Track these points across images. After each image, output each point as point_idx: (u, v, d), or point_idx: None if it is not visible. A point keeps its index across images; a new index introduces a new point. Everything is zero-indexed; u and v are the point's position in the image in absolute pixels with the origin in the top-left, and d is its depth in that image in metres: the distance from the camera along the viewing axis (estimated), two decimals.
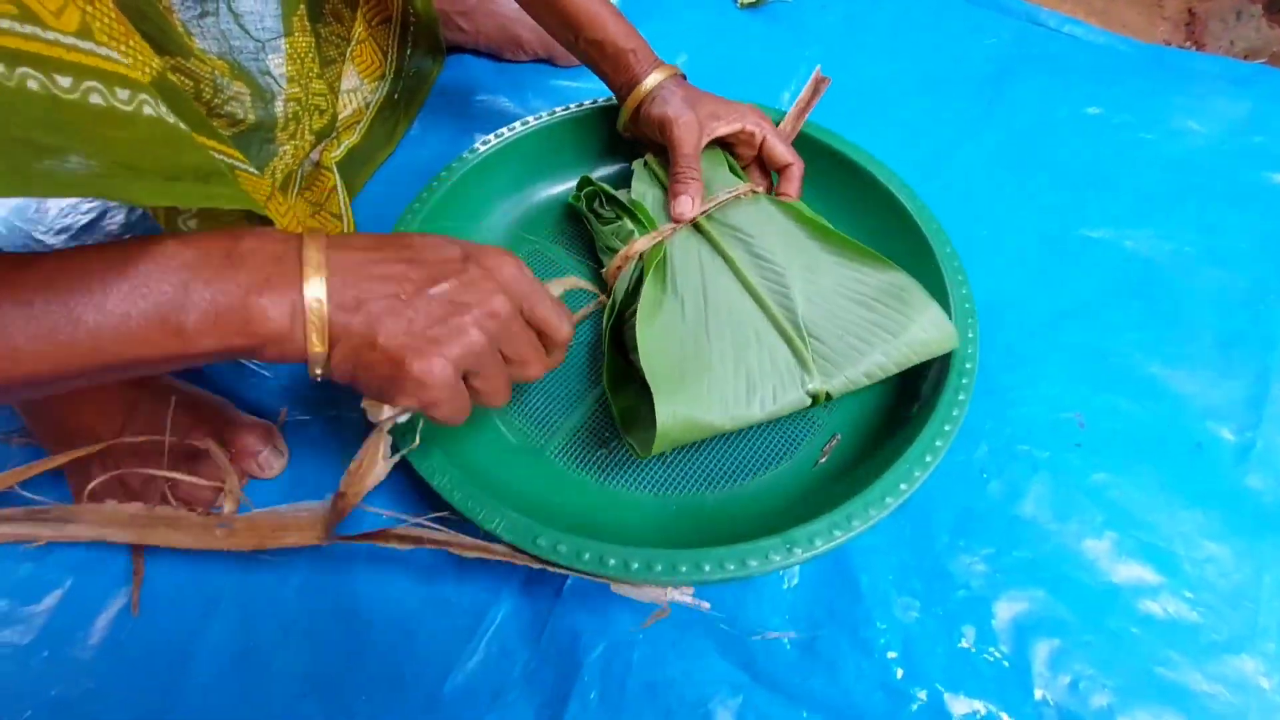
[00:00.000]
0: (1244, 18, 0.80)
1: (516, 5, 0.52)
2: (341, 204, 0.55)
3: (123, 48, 0.31)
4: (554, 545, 0.36)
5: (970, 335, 0.45)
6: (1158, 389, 0.50)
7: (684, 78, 0.52)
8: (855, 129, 0.65)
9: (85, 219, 0.59)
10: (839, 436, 0.45)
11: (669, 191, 0.51)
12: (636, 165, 0.55)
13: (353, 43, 0.56)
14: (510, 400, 0.37)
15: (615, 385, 0.45)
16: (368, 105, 0.60)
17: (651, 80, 0.50)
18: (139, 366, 0.28)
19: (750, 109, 0.52)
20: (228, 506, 0.44)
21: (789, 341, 0.43)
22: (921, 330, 0.43)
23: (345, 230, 0.54)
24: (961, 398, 0.42)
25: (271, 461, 0.46)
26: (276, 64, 0.46)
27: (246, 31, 0.44)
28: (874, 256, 0.46)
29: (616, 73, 0.51)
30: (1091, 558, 0.43)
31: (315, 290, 0.29)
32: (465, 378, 0.33)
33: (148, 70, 0.32)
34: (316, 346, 0.30)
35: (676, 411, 0.39)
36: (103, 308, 0.26)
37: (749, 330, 0.44)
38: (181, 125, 0.30)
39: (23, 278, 0.25)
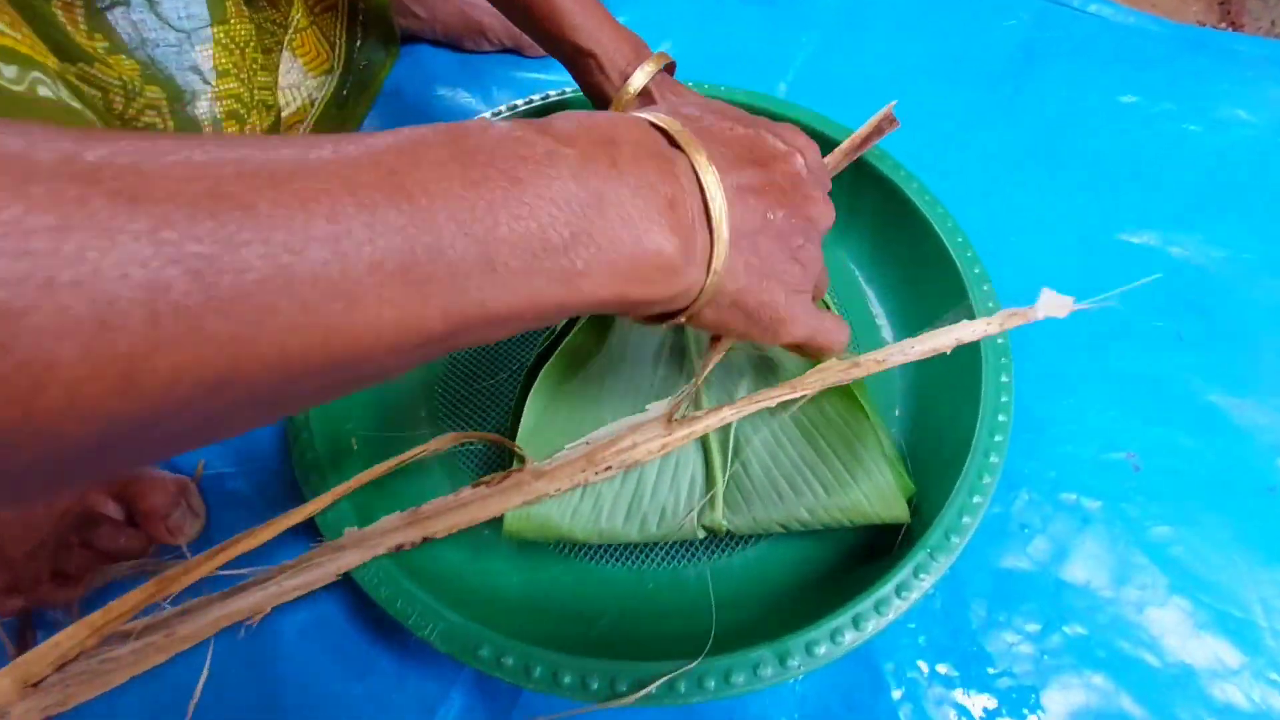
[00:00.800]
0: None
1: None
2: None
3: (17, 35, 0.25)
4: (497, 657, 0.29)
5: (1004, 361, 0.38)
6: (1221, 421, 0.43)
7: (670, 71, 0.41)
8: (861, 121, 0.58)
9: None
10: None
11: None
12: None
13: (290, 29, 0.49)
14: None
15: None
16: (313, 102, 0.52)
17: (627, 93, 0.39)
18: (517, 323, 0.20)
19: (783, 128, 0.40)
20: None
21: (706, 456, 0.35)
22: (862, 497, 0.34)
23: None
24: (999, 438, 0.35)
25: (183, 525, 0.39)
26: (204, 56, 0.39)
27: (166, 22, 0.37)
28: (849, 391, 0.35)
29: (581, 79, 0.41)
30: (1157, 632, 0.36)
31: (716, 197, 0.23)
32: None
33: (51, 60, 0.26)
34: (701, 281, 0.23)
35: (530, 509, 0.32)
36: (471, 228, 0.17)
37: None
38: (88, 113, 0.23)
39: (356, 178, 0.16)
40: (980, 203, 0.54)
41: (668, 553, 0.38)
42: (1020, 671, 0.35)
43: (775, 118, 0.47)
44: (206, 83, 0.40)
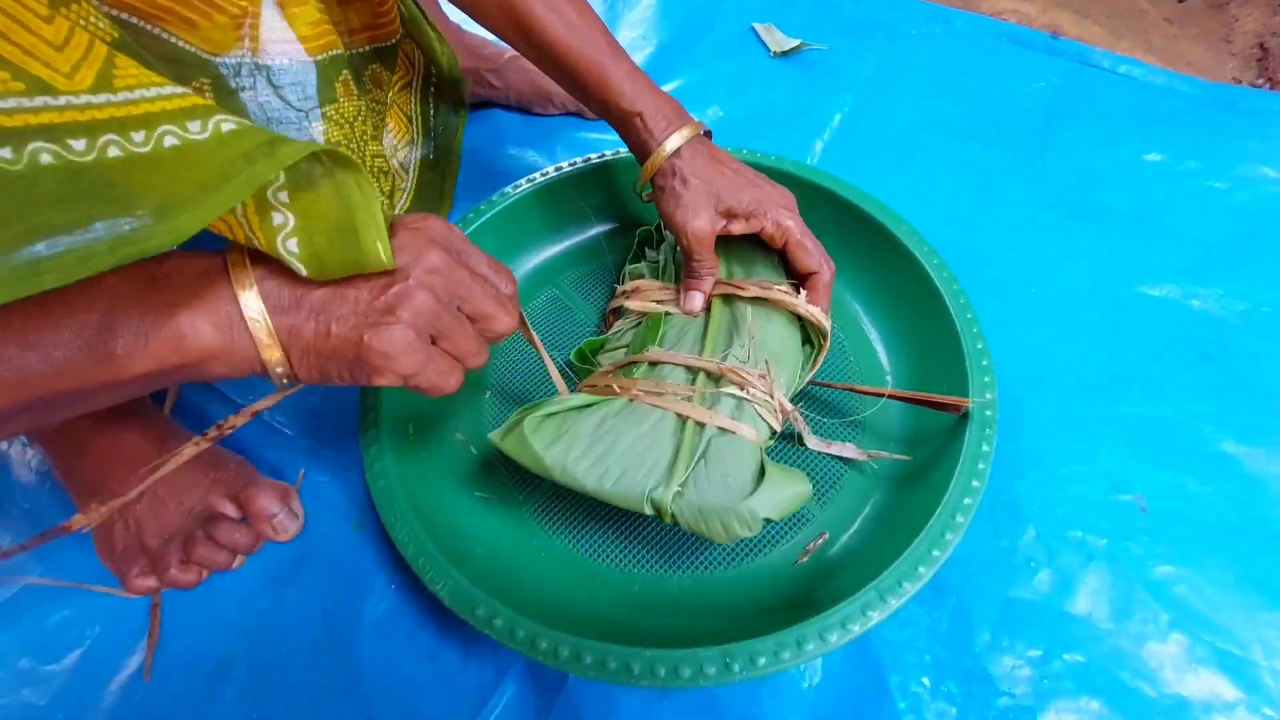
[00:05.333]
0: None
1: None
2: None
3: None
4: (490, 618, 0.36)
5: (989, 397, 0.42)
6: (1231, 468, 0.46)
7: (708, 137, 0.46)
8: (893, 178, 0.63)
9: None
10: (826, 535, 0.42)
11: (681, 282, 0.47)
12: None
13: (388, 105, 0.57)
14: (487, 360, 0.35)
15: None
16: (405, 168, 0.60)
17: (665, 151, 0.44)
18: (75, 399, 0.27)
19: (777, 199, 0.45)
20: (237, 564, 0.45)
21: (677, 449, 0.39)
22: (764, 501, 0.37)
23: None
24: (977, 480, 0.39)
25: (286, 525, 0.46)
26: (318, 131, 0.47)
27: (288, 103, 0.45)
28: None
29: (629, 141, 0.46)
30: (1155, 665, 0.39)
31: (249, 299, 0.29)
32: (435, 341, 0.32)
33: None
34: (273, 352, 0.29)
35: (531, 427, 0.39)
36: (24, 341, 0.25)
37: (656, 412, 0.41)
38: (245, 121, 0.28)
39: None
40: (1004, 254, 0.57)
41: (651, 560, 0.43)
42: (1020, 693, 0.38)
43: (803, 184, 0.53)
44: None
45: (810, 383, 0.47)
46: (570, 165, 0.57)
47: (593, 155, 0.58)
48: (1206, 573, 0.41)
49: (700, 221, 0.44)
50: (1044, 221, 0.60)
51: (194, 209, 0.25)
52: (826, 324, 0.44)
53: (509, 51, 0.69)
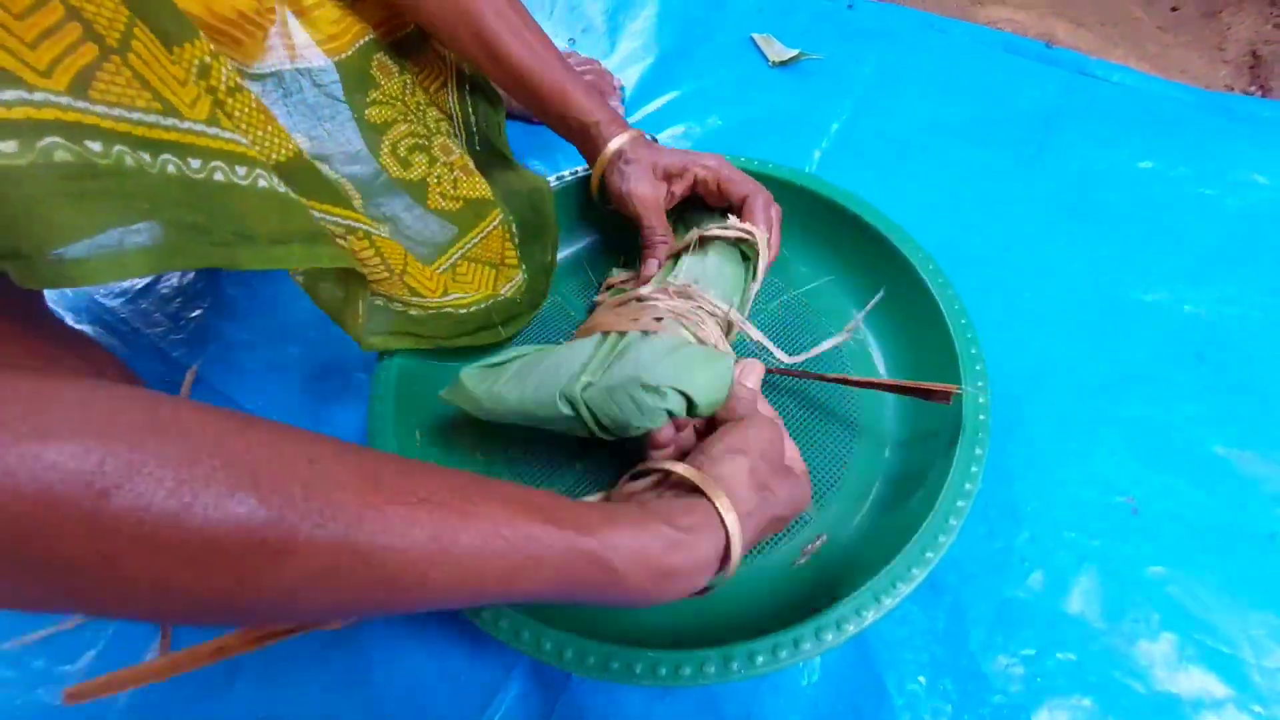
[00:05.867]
0: None
1: None
2: (516, 252, 0.56)
3: (258, 133, 0.35)
4: (496, 620, 0.37)
5: (981, 401, 0.43)
6: (1222, 470, 0.46)
7: (646, 137, 0.51)
8: (891, 184, 0.64)
9: (142, 281, 0.62)
10: (825, 537, 0.43)
11: (642, 250, 0.51)
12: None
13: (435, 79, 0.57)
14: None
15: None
16: (450, 167, 0.60)
17: (610, 149, 0.49)
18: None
19: (706, 156, 0.50)
20: None
21: (594, 353, 0.42)
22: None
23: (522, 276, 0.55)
24: (969, 483, 0.39)
25: None
26: (375, 117, 0.47)
27: (334, 98, 0.44)
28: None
29: (584, 147, 0.51)
30: (1146, 663, 0.39)
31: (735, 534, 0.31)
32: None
33: (284, 152, 0.36)
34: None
35: (468, 374, 0.43)
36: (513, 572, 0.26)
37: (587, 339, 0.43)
38: (292, 194, 0.34)
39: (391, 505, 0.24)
40: (1001, 256, 0.58)
41: None
42: (1014, 691, 0.39)
43: (797, 190, 0.54)
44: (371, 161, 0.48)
45: (802, 374, 0.48)
46: (571, 174, 0.58)
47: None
48: (1197, 573, 0.42)
49: (643, 186, 0.49)
50: (1041, 226, 0.61)
51: (252, 248, 0.31)
52: (755, 232, 0.47)
53: None
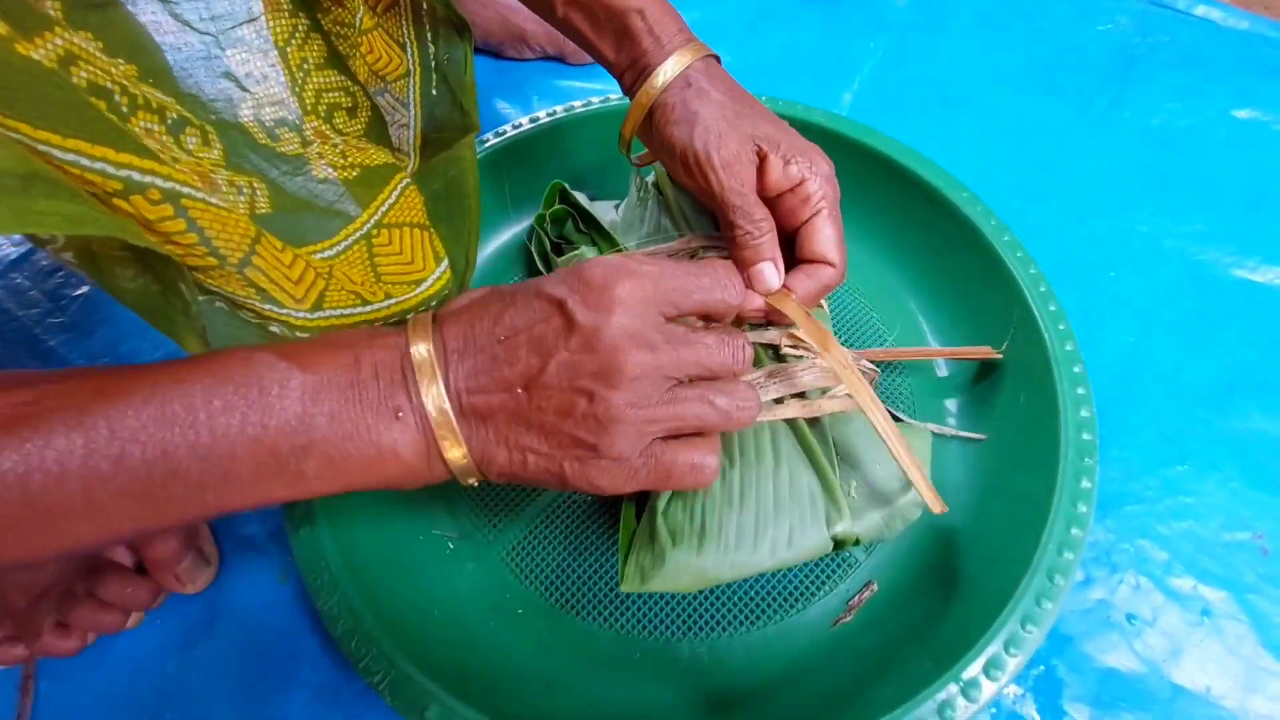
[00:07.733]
0: None
1: None
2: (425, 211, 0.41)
3: None
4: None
5: (1085, 415, 0.34)
6: None
7: (718, 62, 0.35)
8: (934, 137, 0.53)
9: (15, 250, 0.50)
10: (874, 586, 0.34)
11: (734, 258, 0.32)
12: (636, 179, 0.42)
13: (356, 31, 0.44)
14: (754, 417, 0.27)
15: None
16: (404, 103, 0.46)
17: (669, 69, 0.32)
18: (227, 509, 0.23)
19: (823, 157, 0.32)
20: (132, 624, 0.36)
21: (815, 465, 0.32)
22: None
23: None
24: (1077, 528, 0.31)
25: (195, 573, 0.36)
26: (235, 62, 0.36)
27: (186, 24, 0.34)
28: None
29: (617, 51, 0.34)
30: None
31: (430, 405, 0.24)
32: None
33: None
34: (471, 477, 0.26)
35: (652, 557, 0.30)
36: (207, 452, 0.22)
37: (769, 447, 0.33)
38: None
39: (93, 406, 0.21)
40: (1074, 231, 0.48)
41: (661, 621, 0.35)
42: None
43: (831, 136, 0.43)
44: (243, 90, 0.37)
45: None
46: (549, 115, 0.47)
47: (576, 103, 0.48)
48: None
49: (731, 146, 0.31)
50: (1120, 193, 0.50)
51: None
52: (839, 368, 0.32)
53: None
